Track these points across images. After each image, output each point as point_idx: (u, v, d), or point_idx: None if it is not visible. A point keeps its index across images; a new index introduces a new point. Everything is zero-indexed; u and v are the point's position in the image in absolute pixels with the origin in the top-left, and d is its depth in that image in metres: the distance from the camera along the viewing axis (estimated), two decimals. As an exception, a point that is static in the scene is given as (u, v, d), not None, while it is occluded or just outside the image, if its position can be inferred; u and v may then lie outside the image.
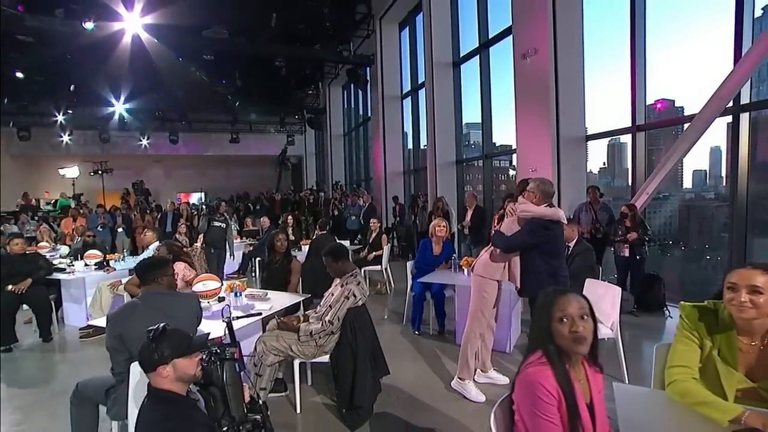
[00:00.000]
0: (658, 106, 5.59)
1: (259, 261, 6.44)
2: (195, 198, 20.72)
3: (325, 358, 2.77)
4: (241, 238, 8.66)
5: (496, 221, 3.32)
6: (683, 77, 5.50)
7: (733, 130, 4.52)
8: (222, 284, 3.16)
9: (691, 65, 5.42)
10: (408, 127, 11.95)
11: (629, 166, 5.53)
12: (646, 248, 4.74)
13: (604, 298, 3.20)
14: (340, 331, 2.67)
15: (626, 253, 4.70)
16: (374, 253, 6.21)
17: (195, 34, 9.52)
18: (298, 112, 17.34)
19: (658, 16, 5.37)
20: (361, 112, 15.42)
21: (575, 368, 1.34)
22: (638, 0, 5.30)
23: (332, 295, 2.81)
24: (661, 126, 5.27)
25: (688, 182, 6.03)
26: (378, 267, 6.13)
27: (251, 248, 7.69)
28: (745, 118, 4.48)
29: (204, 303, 2.86)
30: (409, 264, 4.78)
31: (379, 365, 2.86)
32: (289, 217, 7.60)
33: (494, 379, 3.16)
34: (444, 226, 4.63)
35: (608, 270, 5.35)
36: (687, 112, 5.23)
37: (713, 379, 1.50)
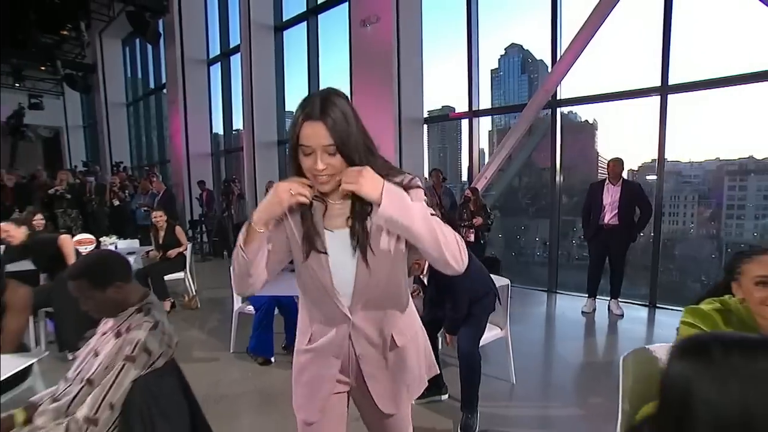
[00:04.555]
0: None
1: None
2: None
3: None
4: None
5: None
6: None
7: (552, 125, 4.91)
8: None
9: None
10: (217, 99, 9.94)
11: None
12: (488, 232, 4.73)
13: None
14: (118, 429, 1.29)
15: (471, 238, 4.57)
16: (171, 252, 4.45)
17: None
18: (47, 62, 12.08)
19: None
20: (152, 77, 12.25)
21: None
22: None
23: (95, 354, 1.38)
24: (496, 113, 5.42)
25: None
26: (180, 274, 4.49)
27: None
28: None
29: None
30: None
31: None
32: (38, 215, 4.12)
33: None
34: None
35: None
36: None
37: None
